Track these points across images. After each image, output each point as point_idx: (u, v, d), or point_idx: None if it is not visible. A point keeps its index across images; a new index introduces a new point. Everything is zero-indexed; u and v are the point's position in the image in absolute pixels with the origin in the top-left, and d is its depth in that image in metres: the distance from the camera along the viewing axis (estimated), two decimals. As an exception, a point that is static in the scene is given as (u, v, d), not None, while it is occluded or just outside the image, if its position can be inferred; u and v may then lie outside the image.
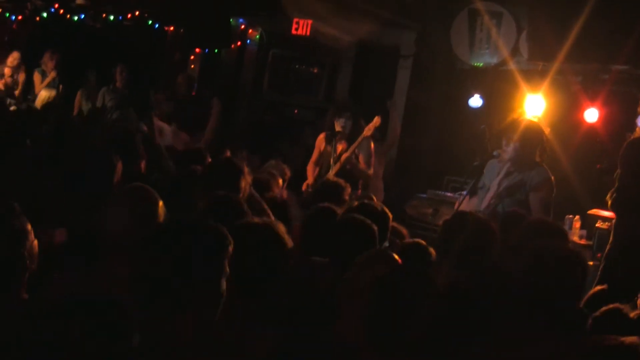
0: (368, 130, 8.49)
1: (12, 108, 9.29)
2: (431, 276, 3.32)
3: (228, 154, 7.98)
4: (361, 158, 8.53)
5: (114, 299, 2.42)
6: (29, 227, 3.12)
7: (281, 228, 3.56)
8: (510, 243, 4.88)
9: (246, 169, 5.19)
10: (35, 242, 3.16)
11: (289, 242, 3.53)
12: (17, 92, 12.16)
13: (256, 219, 3.75)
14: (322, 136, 8.84)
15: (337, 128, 8.60)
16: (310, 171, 8.88)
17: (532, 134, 6.91)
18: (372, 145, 8.67)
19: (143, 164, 6.03)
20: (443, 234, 4.77)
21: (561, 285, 3.75)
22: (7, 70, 12.13)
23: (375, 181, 9.21)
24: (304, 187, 8.70)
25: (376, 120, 8.53)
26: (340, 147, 8.61)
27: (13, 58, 12.17)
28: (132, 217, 3.57)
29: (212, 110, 10.82)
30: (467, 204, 7.32)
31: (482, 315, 3.57)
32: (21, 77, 12.28)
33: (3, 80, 12.07)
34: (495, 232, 4.70)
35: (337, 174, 8.21)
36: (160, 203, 3.67)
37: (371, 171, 8.63)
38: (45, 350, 2.23)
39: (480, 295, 3.68)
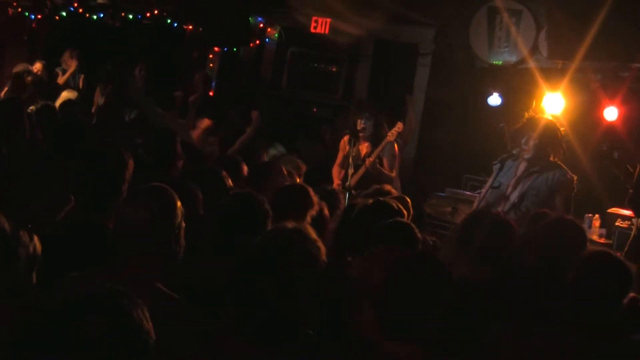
0: (391, 135, 8.47)
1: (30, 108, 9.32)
2: (446, 267, 3.30)
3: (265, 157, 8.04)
4: (385, 162, 8.51)
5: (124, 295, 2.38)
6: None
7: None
8: (529, 240, 4.92)
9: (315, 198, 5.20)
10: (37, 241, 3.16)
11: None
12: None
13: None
14: (345, 138, 8.82)
15: (359, 128, 8.60)
16: (336, 174, 8.88)
17: (551, 133, 6.89)
18: (397, 148, 8.66)
19: (180, 164, 6.05)
20: (462, 231, 4.77)
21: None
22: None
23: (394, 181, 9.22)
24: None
25: (399, 126, 8.53)
26: (363, 149, 8.61)
27: (37, 69, 12.16)
28: (151, 218, 3.54)
29: (252, 122, 10.77)
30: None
31: (500, 308, 3.56)
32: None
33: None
34: (514, 229, 4.71)
35: (361, 178, 8.22)
36: (179, 204, 3.65)
37: (394, 174, 8.61)
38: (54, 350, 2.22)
39: (498, 289, 3.68)
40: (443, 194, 9.69)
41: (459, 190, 10.01)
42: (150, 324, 2.33)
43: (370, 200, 5.19)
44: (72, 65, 12.31)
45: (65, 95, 11.70)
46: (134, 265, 3.42)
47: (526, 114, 7.26)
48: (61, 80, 12.28)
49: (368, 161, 8.43)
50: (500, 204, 6.89)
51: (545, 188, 6.79)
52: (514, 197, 6.87)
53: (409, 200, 5.77)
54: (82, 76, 12.49)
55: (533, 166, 6.88)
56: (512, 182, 6.94)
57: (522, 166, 6.95)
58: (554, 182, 6.77)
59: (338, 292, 3.48)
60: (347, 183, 7.90)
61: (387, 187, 6.74)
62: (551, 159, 6.85)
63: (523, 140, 6.96)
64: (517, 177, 6.93)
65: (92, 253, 3.72)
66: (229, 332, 2.97)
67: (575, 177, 6.76)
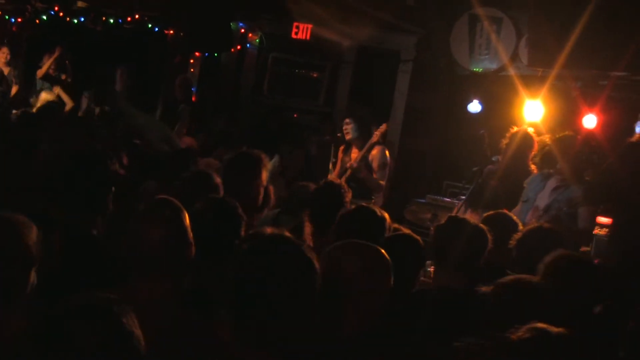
0: (375, 136, 8.49)
1: (14, 112, 9.26)
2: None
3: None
4: (375, 167, 8.51)
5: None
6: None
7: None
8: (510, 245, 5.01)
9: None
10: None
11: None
12: (13, 91, 12.14)
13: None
14: (342, 147, 8.89)
15: (345, 134, 8.64)
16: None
17: (571, 148, 7.11)
18: (388, 153, 8.67)
19: None
20: (438, 240, 4.80)
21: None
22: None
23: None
24: None
25: (383, 127, 8.55)
26: (354, 156, 8.62)
27: (2, 53, 12.10)
28: (168, 234, 3.48)
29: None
30: (464, 210, 7.37)
31: (476, 314, 3.56)
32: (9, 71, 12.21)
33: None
34: (488, 235, 4.75)
35: (347, 184, 8.22)
36: (187, 214, 3.63)
37: (383, 182, 8.61)
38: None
39: (474, 294, 3.67)
40: (423, 200, 9.70)
41: (439, 197, 10.03)
42: (139, 330, 2.39)
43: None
44: (47, 62, 12.24)
45: (44, 97, 11.63)
46: (154, 282, 3.41)
47: (507, 121, 7.40)
48: (40, 73, 12.22)
49: (348, 164, 8.43)
50: (528, 216, 7.06)
51: (567, 201, 6.98)
52: (540, 211, 7.07)
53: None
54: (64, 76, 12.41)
55: (562, 181, 7.14)
56: (542, 195, 7.15)
57: (553, 181, 7.16)
58: (576, 195, 6.94)
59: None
60: None
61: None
62: (584, 174, 7.10)
63: (558, 166, 7.26)
64: (548, 191, 7.16)
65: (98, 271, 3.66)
66: (226, 336, 2.96)
67: None
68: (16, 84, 12.25)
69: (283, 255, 2.96)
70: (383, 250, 3.59)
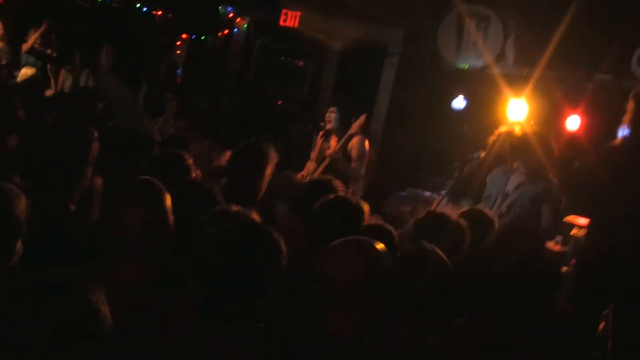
0: (354, 127, 8.50)
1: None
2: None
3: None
4: (354, 156, 8.51)
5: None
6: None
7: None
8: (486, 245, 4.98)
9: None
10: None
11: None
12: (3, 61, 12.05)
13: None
14: (320, 133, 8.87)
15: (326, 123, 8.64)
16: (308, 166, 8.89)
17: (547, 149, 7.07)
18: (367, 143, 8.68)
19: None
20: (416, 234, 4.80)
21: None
22: None
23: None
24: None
25: (362, 119, 8.56)
26: (333, 144, 8.62)
27: None
28: (147, 214, 3.45)
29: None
30: (444, 205, 7.39)
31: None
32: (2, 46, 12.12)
33: None
34: (466, 231, 4.76)
35: (325, 172, 8.20)
36: (168, 196, 3.58)
37: (363, 171, 8.61)
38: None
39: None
40: (403, 194, 9.73)
41: (419, 190, 10.06)
42: (107, 308, 2.36)
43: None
44: (32, 36, 12.16)
45: (24, 72, 11.55)
46: (131, 265, 3.38)
47: (491, 119, 7.38)
48: (25, 47, 12.14)
49: (327, 153, 8.44)
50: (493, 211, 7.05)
51: (529, 199, 6.96)
52: (503, 207, 7.02)
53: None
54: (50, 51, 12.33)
55: (527, 176, 7.14)
56: (503, 192, 7.10)
57: (516, 177, 7.13)
58: (539, 193, 6.92)
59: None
60: (309, 177, 7.91)
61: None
62: (545, 170, 7.02)
63: (520, 162, 7.16)
64: (510, 188, 7.11)
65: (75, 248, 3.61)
66: (191, 316, 2.94)
67: None
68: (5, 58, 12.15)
69: (248, 235, 2.95)
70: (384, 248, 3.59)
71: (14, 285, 2.33)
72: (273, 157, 5.22)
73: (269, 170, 5.19)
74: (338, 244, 3.55)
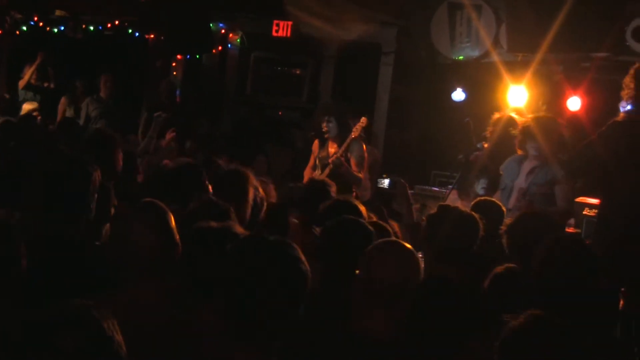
0: (355, 131, 8.46)
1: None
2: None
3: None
4: (353, 162, 8.47)
5: None
6: None
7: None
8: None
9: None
10: None
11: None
12: None
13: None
14: (317, 141, 8.84)
15: (324, 130, 8.60)
16: (307, 175, 8.86)
17: (552, 129, 7.09)
18: (365, 147, 8.64)
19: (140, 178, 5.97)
20: (428, 228, 4.80)
21: None
22: None
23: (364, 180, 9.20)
24: None
25: (363, 121, 8.52)
26: (332, 150, 8.59)
27: None
28: (156, 236, 3.46)
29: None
30: (453, 198, 7.38)
31: (466, 305, 3.55)
32: None
33: None
34: (478, 223, 4.74)
35: (329, 178, 8.18)
36: (172, 216, 3.59)
37: (362, 174, 8.57)
38: None
39: (464, 286, 3.67)
40: (412, 192, 9.70)
41: (427, 187, 10.05)
42: (120, 336, 2.38)
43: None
44: (28, 71, 12.22)
45: (26, 107, 11.58)
46: (146, 287, 3.39)
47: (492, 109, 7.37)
48: (21, 83, 12.19)
49: (330, 160, 8.41)
50: (511, 201, 7.08)
51: (544, 182, 6.98)
52: (521, 195, 7.08)
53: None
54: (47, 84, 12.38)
55: (538, 160, 7.16)
56: (519, 182, 7.12)
57: (527, 164, 7.14)
58: (555, 175, 6.94)
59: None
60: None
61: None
62: (557, 153, 7.06)
63: (532, 146, 7.15)
64: (524, 175, 7.14)
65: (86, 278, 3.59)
66: (214, 328, 2.94)
67: None
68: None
69: (276, 256, 2.93)
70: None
71: (26, 318, 2.34)
72: (252, 180, 5.17)
73: (250, 193, 5.12)
74: (382, 246, 3.61)
